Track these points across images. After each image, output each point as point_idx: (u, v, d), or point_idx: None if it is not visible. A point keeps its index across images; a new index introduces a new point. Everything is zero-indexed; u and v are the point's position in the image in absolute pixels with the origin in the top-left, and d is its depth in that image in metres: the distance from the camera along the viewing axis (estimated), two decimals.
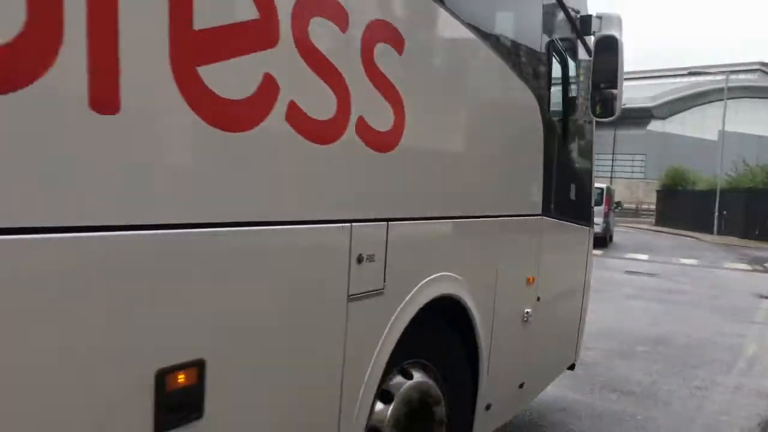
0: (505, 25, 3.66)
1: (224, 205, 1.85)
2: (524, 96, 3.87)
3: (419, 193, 2.83)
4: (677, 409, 5.95)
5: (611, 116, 4.68)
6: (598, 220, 23.88)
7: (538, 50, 4.06)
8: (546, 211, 4.22)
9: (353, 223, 2.36)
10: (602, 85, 4.60)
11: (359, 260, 2.42)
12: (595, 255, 20.40)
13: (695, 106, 74.31)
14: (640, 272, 16.54)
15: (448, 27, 2.98)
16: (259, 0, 1.89)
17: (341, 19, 2.20)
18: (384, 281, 2.58)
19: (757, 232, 32.85)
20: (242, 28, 1.85)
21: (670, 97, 73.01)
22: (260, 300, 2.01)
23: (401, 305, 2.70)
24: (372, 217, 2.50)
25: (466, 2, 3.11)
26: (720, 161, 40.00)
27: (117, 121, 1.52)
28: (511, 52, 3.70)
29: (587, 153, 5.48)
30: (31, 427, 1.42)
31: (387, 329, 2.62)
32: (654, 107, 71.67)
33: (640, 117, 70.68)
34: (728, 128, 50.53)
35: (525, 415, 5.46)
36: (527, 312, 4.06)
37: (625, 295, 12.50)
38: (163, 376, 1.67)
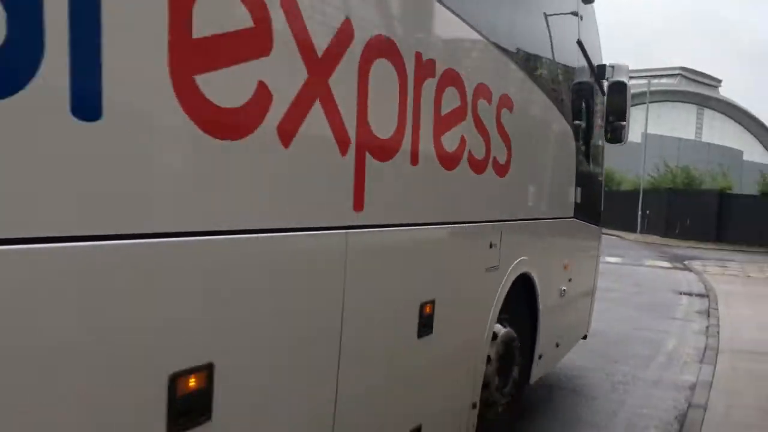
0: (558, 83, 5.17)
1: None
2: (567, 133, 5.40)
3: (515, 204, 4.35)
4: (601, 403, 6.11)
5: (620, 142, 6.32)
6: None
7: (575, 97, 5.56)
8: (576, 215, 5.77)
9: (491, 223, 3.92)
10: (612, 119, 6.24)
11: (491, 246, 3.91)
12: None
13: None
14: None
15: (534, 93, 4.57)
16: (462, 94, 3.35)
17: (490, 98, 3.69)
18: (498, 261, 4.02)
19: (677, 231, 34.18)
20: (451, 115, 3.28)
21: None
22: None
23: (505, 277, 4.14)
24: (496, 218, 3.99)
25: (543, 77, 4.76)
26: (643, 163, 41.49)
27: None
28: (560, 101, 5.16)
29: (600, 171, 6.98)
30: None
31: (499, 291, 4.08)
32: None
33: None
34: (650, 131, 52.48)
35: None
36: (563, 289, 5.53)
37: None
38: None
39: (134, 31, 1.59)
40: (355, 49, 2.45)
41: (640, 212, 37.74)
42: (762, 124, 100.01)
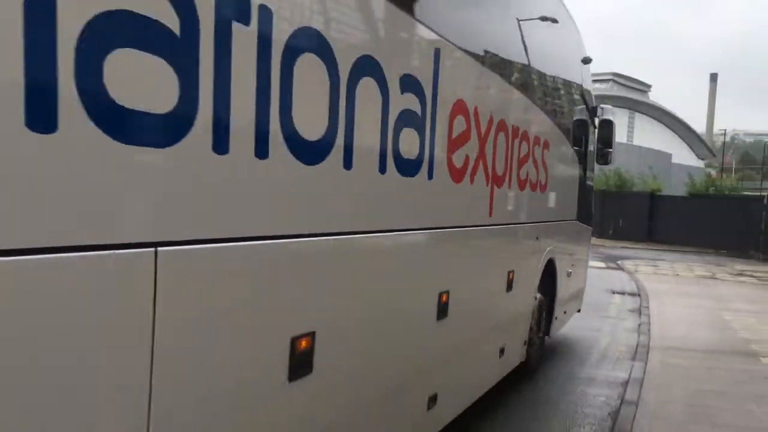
0: (570, 126, 7.33)
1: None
2: (574, 160, 7.70)
3: (547, 210, 6.52)
4: (536, 401, 6.20)
5: (608, 164, 8.77)
6: None
7: (579, 132, 7.70)
8: (578, 218, 8.14)
9: (537, 223, 6.16)
10: (601, 146, 8.51)
11: (537, 239, 6.21)
12: None
13: None
14: None
15: (559, 136, 6.80)
16: (529, 147, 5.61)
17: (539, 145, 5.86)
18: (540, 248, 6.35)
19: (610, 232, 35.13)
20: (523, 159, 5.49)
21: None
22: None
23: (542, 259, 6.48)
24: (540, 221, 6.18)
25: (563, 124, 6.98)
26: None
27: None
28: (572, 137, 7.40)
29: (592, 185, 9.23)
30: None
31: (539, 269, 6.45)
32: None
33: None
34: None
35: None
36: (569, 271, 7.84)
37: None
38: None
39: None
40: (492, 130, 4.58)
41: None
42: (689, 128, 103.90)
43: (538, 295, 6.56)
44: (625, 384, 6.89)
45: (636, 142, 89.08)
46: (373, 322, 3.25)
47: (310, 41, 2.49)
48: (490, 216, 4.68)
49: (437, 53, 3.57)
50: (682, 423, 5.71)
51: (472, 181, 4.23)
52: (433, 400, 3.99)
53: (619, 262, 21.22)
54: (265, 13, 2.24)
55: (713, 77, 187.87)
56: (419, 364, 3.81)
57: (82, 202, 1.69)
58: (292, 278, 2.57)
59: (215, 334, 2.19)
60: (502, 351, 5.57)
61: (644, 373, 7.24)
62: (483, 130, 4.36)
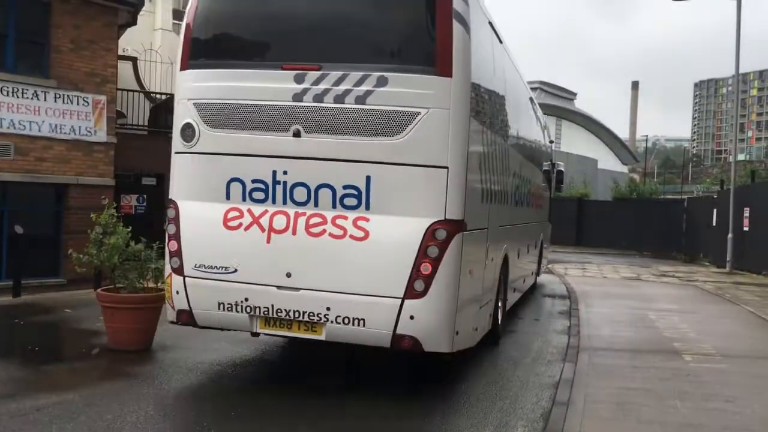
0: (545, 174, 15.07)
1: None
2: (546, 190, 15.74)
3: (541, 216, 14.81)
4: (470, 408, 6.28)
5: (561, 192, 21.66)
6: None
7: (548, 177, 15.59)
8: (549, 220, 16.64)
9: (537, 223, 14.23)
10: (557, 183, 17.59)
11: (537, 232, 14.52)
12: None
13: None
14: None
15: (542, 180, 14.75)
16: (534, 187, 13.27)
17: (538, 186, 13.85)
18: (538, 237, 14.51)
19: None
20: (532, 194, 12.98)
21: None
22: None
23: (539, 243, 14.82)
24: (538, 221, 14.45)
25: (545, 173, 15.09)
26: None
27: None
28: (546, 179, 15.29)
29: (549, 200, 16.55)
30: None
31: (538, 249, 14.80)
32: None
33: None
34: None
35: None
36: (545, 245, 16.01)
37: None
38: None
39: None
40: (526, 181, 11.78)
41: None
42: (613, 134, 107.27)
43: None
44: (557, 385, 7.06)
45: (564, 148, 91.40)
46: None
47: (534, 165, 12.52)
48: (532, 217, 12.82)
49: (520, 156, 10.78)
50: (609, 420, 5.88)
51: (533, 205, 12.64)
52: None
53: (549, 265, 21.70)
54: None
55: (635, 85, 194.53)
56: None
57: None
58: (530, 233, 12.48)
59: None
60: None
61: (574, 373, 7.43)
62: (524, 180, 11.28)
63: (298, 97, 6.21)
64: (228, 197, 6.43)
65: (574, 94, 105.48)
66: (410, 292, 5.94)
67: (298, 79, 6.22)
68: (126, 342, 7.85)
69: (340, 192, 6.17)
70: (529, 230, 12.43)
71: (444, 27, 6.07)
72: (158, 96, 20.94)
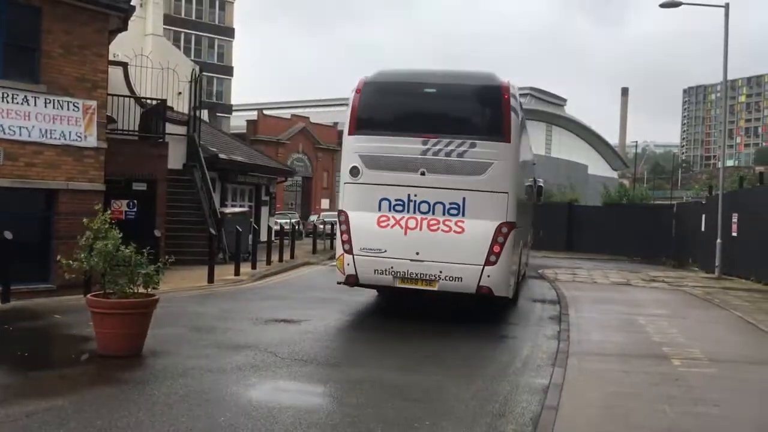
0: (532, 190, 18.62)
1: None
2: (531, 202, 18.30)
3: (530, 221, 18.67)
4: (461, 411, 6.31)
5: (540, 203, 23.82)
6: None
7: (532, 192, 18.49)
8: (532, 226, 20.71)
9: (532, 227, 20.57)
10: (537, 194, 20.87)
11: (529, 229, 18.85)
12: None
13: None
14: None
15: (532, 197, 18.61)
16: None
17: (528, 203, 17.38)
18: (527, 235, 17.47)
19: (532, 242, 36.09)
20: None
21: None
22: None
23: (529, 237, 19.02)
24: (528, 224, 17.95)
25: (533, 190, 19.12)
26: None
27: None
28: (533, 196, 19.01)
29: (534, 208, 20.79)
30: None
31: (528, 240, 18.75)
32: None
33: None
34: None
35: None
36: (524, 249, 16.00)
37: (416, 306, 13.07)
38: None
39: None
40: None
41: None
42: (604, 140, 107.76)
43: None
44: (546, 390, 7.09)
45: (554, 154, 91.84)
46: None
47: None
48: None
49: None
50: (598, 425, 5.92)
51: (530, 213, 17.95)
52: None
53: (540, 271, 21.77)
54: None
55: (624, 91, 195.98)
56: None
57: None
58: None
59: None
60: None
61: (563, 378, 7.47)
62: (529, 196, 16.40)
63: (423, 152, 10.84)
64: (379, 209, 10.93)
65: (565, 100, 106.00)
66: (487, 262, 10.52)
67: (424, 143, 10.83)
68: (116, 348, 7.83)
69: (447, 206, 10.75)
70: (527, 230, 17.59)
71: (507, 116, 10.89)
72: (149, 101, 20.90)
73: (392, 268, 10.72)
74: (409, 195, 10.84)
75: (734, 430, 5.91)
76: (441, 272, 10.56)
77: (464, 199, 10.70)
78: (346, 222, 11.04)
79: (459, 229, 10.66)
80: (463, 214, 10.68)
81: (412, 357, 8.55)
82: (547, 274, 20.50)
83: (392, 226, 10.83)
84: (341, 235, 11.10)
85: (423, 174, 10.79)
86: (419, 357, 8.58)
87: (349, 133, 11.34)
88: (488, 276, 10.47)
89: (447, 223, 10.71)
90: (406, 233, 10.78)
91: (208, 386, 6.80)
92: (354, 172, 11.09)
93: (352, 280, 10.96)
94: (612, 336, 10.35)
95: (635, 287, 18.02)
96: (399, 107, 11.54)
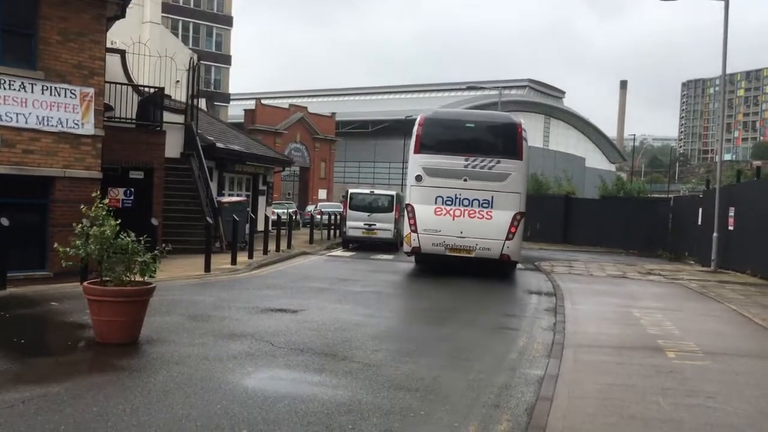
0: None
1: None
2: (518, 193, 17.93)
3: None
4: (456, 401, 6.34)
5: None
6: (388, 225, 24.75)
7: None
8: (520, 211, 17.13)
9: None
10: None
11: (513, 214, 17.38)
12: (387, 259, 21.11)
13: None
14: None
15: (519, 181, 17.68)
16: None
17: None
18: (519, 223, 17.45)
19: (528, 234, 36.04)
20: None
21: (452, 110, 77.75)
22: None
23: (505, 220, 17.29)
24: (519, 211, 17.79)
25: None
26: None
27: None
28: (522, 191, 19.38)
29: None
30: None
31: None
32: None
33: None
34: None
35: (304, 419, 5.53)
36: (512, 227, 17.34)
37: (404, 296, 13.13)
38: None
39: None
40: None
41: None
42: (602, 133, 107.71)
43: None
44: (541, 381, 7.12)
45: (552, 146, 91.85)
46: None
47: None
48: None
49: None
50: (593, 415, 5.95)
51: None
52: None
53: (536, 263, 21.81)
54: None
55: (623, 84, 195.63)
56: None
57: None
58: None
59: None
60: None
61: (559, 369, 7.50)
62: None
63: (465, 166, 16.20)
64: (435, 203, 16.25)
65: (563, 93, 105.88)
66: (507, 238, 15.88)
67: (466, 159, 16.24)
68: (112, 335, 7.84)
69: (481, 201, 16.07)
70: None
71: (520, 143, 16.39)
72: (146, 89, 20.84)
73: (444, 242, 16.29)
74: (456, 194, 16.32)
75: (727, 421, 5.94)
76: (477, 245, 16.19)
77: (492, 197, 16.27)
78: (413, 212, 16.59)
79: (489, 217, 16.25)
80: (492, 207, 16.27)
81: (408, 347, 8.58)
82: (543, 267, 20.54)
83: (444, 215, 16.35)
84: (408, 220, 16.68)
85: (465, 180, 16.32)
86: (415, 347, 8.60)
87: (414, 152, 16.76)
88: (508, 247, 16.16)
89: (480, 212, 16.27)
90: (453, 219, 16.29)
91: (204, 374, 6.82)
92: (418, 178, 16.52)
93: (417, 250, 16.69)
94: (607, 328, 10.39)
95: (631, 280, 18.07)
96: (448, 136, 16.91)
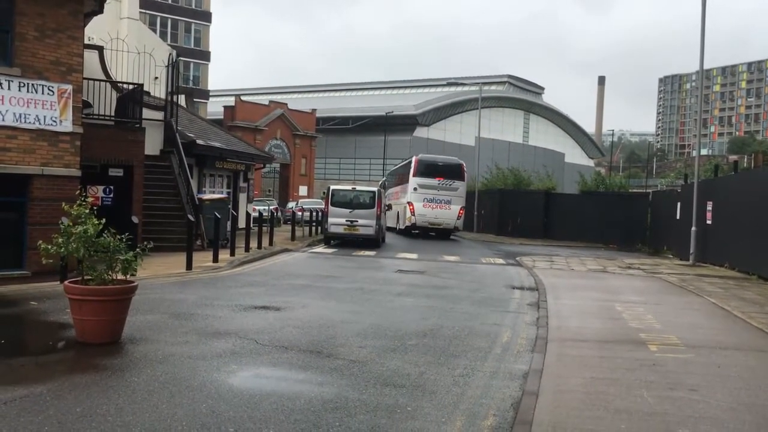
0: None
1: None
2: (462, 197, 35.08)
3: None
4: (442, 397, 6.35)
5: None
6: (371, 222, 24.72)
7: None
8: (463, 206, 34.15)
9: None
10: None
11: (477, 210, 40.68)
12: (369, 256, 21.04)
13: (455, 114, 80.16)
14: (409, 270, 17.50)
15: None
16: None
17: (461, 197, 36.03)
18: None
19: (509, 229, 36.31)
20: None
21: (432, 106, 78.06)
22: None
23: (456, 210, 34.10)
24: (462, 206, 34.75)
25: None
26: (477, 165, 43.60)
27: None
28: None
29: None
30: None
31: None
32: (418, 115, 76.14)
33: (406, 124, 74.67)
34: (483, 135, 55.10)
35: (300, 418, 5.51)
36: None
37: (396, 293, 13.12)
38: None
39: None
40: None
41: (476, 212, 39.71)
42: (581, 129, 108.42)
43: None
44: (526, 375, 7.15)
45: (531, 142, 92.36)
46: None
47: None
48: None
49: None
50: (578, 409, 5.99)
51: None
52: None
53: (518, 258, 21.92)
54: None
55: (601, 80, 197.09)
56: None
57: None
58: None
59: None
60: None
61: (543, 364, 7.54)
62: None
63: (438, 183, 32.34)
64: (423, 201, 32.01)
65: (542, 89, 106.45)
66: (457, 219, 32.50)
67: (438, 181, 32.37)
68: (94, 335, 7.76)
69: (444, 200, 32.15)
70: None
71: (463, 172, 33.45)
72: (125, 86, 20.62)
73: (427, 220, 31.87)
74: (433, 196, 31.71)
75: (710, 413, 6.00)
76: (443, 222, 32.01)
77: (450, 199, 31.99)
78: (412, 206, 31.77)
79: (449, 209, 31.95)
80: (450, 204, 31.96)
81: (393, 343, 8.57)
82: (525, 262, 20.64)
83: (426, 207, 31.69)
84: (410, 210, 31.85)
85: (438, 191, 31.81)
86: (400, 343, 8.60)
87: (413, 176, 32.17)
88: (456, 224, 32.39)
89: (444, 206, 31.87)
90: (432, 209, 31.77)
91: (189, 373, 6.77)
92: (415, 189, 31.84)
93: (414, 225, 32.09)
94: (590, 322, 10.46)
95: (612, 274, 18.22)
96: (429, 168, 32.59)
